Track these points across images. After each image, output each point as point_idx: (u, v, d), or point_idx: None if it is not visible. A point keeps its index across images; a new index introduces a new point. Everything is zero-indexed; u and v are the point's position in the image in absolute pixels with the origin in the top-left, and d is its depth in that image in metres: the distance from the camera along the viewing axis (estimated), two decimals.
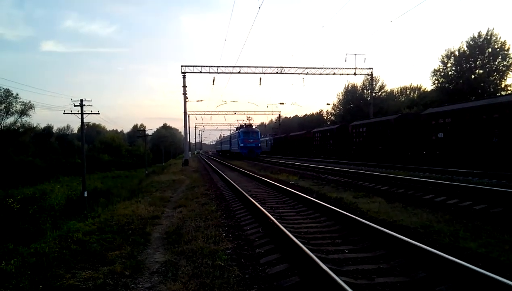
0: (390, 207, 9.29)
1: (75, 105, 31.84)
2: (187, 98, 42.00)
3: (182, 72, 40.44)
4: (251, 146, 45.05)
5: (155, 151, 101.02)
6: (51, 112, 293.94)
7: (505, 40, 39.61)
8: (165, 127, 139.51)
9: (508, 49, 39.50)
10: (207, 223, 8.18)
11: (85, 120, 32.52)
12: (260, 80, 41.17)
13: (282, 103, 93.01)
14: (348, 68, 42.54)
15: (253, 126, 49.50)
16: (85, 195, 28.55)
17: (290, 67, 41.99)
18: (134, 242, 6.88)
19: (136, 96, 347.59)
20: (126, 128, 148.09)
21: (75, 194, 30.26)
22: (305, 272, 4.53)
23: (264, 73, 41.32)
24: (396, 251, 5.23)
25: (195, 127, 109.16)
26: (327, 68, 42.48)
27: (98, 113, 32.42)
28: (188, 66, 40.57)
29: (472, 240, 5.91)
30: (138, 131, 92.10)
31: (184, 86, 41.11)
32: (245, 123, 49.46)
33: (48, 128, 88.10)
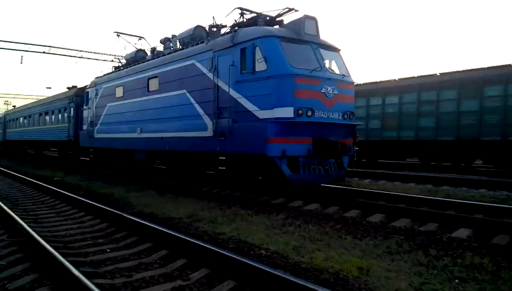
0: (161, 200, 9.43)
1: None
2: None
3: None
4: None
5: None
6: None
7: None
8: None
9: None
10: None
11: None
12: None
13: None
14: None
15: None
16: None
17: None
18: None
19: None
20: None
21: None
22: (57, 280, 4.05)
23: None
24: (159, 243, 5.29)
25: None
26: None
27: None
28: None
29: (227, 224, 6.56)
30: None
31: None
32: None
33: None
